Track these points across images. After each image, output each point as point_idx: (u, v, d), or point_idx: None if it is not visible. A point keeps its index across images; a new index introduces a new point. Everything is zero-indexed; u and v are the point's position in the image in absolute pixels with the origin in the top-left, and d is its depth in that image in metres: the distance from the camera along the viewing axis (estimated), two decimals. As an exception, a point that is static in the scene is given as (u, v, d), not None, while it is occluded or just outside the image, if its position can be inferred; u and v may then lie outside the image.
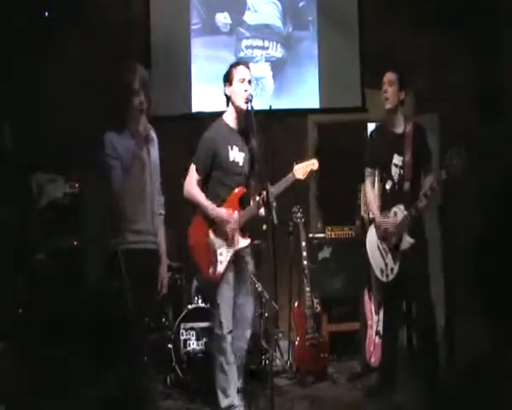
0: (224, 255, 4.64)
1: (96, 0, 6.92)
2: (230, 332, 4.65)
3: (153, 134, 4.03)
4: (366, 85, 6.95)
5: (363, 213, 6.10)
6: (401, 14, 6.91)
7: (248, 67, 4.72)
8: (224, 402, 4.62)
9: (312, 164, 4.71)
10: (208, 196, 4.69)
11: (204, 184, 4.74)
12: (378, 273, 5.16)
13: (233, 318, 4.77)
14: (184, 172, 4.71)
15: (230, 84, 4.69)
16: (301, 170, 4.66)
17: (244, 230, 4.70)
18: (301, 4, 7.17)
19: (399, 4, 6.92)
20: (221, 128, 4.76)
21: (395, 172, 5.03)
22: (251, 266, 4.81)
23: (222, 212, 4.63)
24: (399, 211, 4.95)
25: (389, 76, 5.07)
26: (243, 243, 4.68)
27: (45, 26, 6.50)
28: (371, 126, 7.51)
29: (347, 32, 7.06)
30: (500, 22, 6.64)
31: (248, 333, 4.76)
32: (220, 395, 4.64)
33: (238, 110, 4.68)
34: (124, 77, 3.85)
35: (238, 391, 4.68)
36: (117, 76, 3.88)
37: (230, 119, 4.75)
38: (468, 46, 6.65)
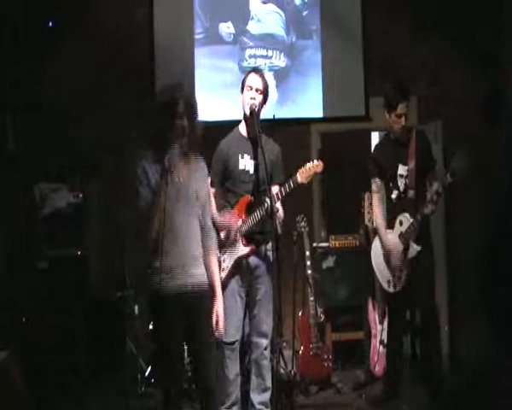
0: (226, 262, 4.64)
1: (99, 8, 6.92)
2: (234, 343, 4.64)
3: (196, 163, 3.80)
4: (370, 94, 6.94)
5: (367, 221, 6.08)
6: (404, 22, 6.91)
7: (260, 76, 4.69)
8: None
9: (316, 166, 4.54)
10: (218, 204, 4.69)
11: (221, 196, 4.75)
12: (384, 284, 5.13)
13: (250, 328, 4.78)
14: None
15: (242, 92, 4.70)
16: (305, 173, 4.52)
17: (248, 238, 4.68)
18: (305, 13, 7.17)
19: (402, 13, 6.92)
20: (234, 137, 4.79)
21: (401, 182, 5.03)
22: (266, 279, 4.70)
23: (218, 217, 4.59)
24: (405, 219, 4.94)
25: (402, 108, 5.00)
26: (244, 250, 4.65)
27: (49, 31, 6.51)
28: (375, 135, 7.54)
29: (351, 40, 7.05)
30: (502, 29, 6.64)
31: (263, 344, 4.71)
32: (219, 405, 4.64)
33: (245, 118, 4.69)
34: (166, 97, 3.61)
35: (235, 404, 4.66)
36: (159, 96, 3.71)
37: (242, 127, 4.77)
38: (470, 54, 6.64)
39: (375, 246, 5.22)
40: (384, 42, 6.93)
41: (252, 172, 4.69)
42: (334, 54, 7.08)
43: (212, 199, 4.55)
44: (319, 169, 4.58)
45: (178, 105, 3.56)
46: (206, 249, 3.80)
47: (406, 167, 5.00)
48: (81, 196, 5.96)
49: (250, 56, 7.10)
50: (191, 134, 3.62)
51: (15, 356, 4.80)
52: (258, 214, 4.57)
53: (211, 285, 3.82)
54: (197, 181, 3.76)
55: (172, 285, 3.62)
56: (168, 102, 3.57)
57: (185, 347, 4.49)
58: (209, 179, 4.60)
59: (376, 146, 5.55)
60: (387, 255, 5.05)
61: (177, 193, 3.64)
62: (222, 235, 4.64)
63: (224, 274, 4.61)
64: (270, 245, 4.65)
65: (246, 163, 4.69)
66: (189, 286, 3.67)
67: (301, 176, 4.53)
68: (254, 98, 4.60)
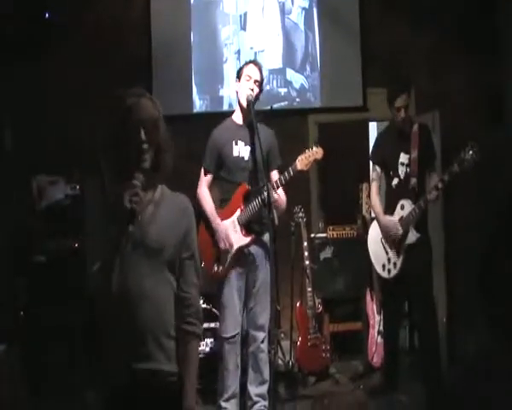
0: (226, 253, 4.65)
1: (96, 4, 6.91)
2: (233, 337, 4.65)
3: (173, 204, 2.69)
4: (367, 85, 6.92)
5: (364, 212, 6.09)
6: (402, 14, 6.90)
7: (259, 69, 4.71)
8: (219, 405, 4.66)
9: (316, 153, 4.51)
10: (221, 197, 4.74)
11: (214, 186, 4.76)
12: (379, 269, 5.15)
13: (247, 322, 4.79)
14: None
15: (239, 80, 4.70)
16: (304, 161, 4.50)
17: (247, 227, 4.67)
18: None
19: (400, 3, 6.90)
20: (227, 125, 4.79)
21: (402, 170, 5.06)
22: (263, 270, 4.70)
23: (219, 226, 4.63)
24: (407, 204, 4.95)
25: (401, 101, 5.01)
26: (244, 240, 4.65)
27: (45, 27, 6.49)
28: (373, 126, 7.54)
29: (348, 31, 7.02)
30: (501, 22, 6.63)
31: (260, 337, 4.71)
32: (218, 397, 4.68)
33: (241, 107, 4.69)
34: (120, 109, 2.61)
35: (233, 397, 4.68)
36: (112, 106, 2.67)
37: (237, 115, 4.78)
38: (469, 46, 6.63)
39: (372, 231, 5.25)
40: (382, 32, 6.91)
41: (246, 158, 4.68)
42: (332, 44, 7.05)
43: (200, 178, 4.66)
44: (319, 156, 4.56)
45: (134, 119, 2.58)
46: (182, 329, 2.63)
47: (408, 156, 5.03)
48: (78, 187, 5.94)
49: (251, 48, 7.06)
50: (158, 163, 2.63)
51: (13, 350, 4.81)
52: (256, 204, 4.55)
53: (182, 381, 2.62)
54: (169, 229, 2.61)
55: (121, 379, 2.56)
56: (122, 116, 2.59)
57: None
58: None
59: (379, 134, 5.61)
60: (385, 236, 5.06)
61: (134, 244, 2.55)
62: (221, 245, 4.65)
63: (225, 265, 4.62)
64: (267, 235, 4.66)
65: (240, 149, 4.68)
66: (144, 382, 2.55)
67: (301, 163, 4.51)
68: (252, 89, 4.61)
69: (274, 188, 4.46)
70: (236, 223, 4.65)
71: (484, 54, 6.56)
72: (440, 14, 6.75)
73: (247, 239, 4.65)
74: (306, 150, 4.54)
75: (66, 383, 5.25)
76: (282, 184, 4.53)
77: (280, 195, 4.57)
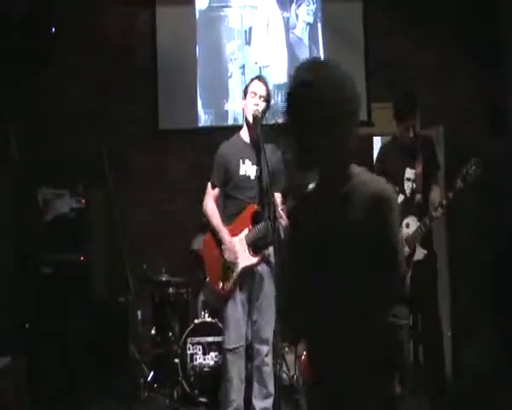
0: (233, 272, 4.65)
1: (101, 19, 6.95)
2: (237, 348, 4.66)
3: None
4: (372, 100, 6.93)
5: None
6: (406, 28, 6.92)
7: (264, 83, 4.72)
8: None
9: None
10: (224, 213, 4.73)
11: (221, 201, 4.76)
12: None
13: (251, 335, 4.79)
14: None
15: (245, 98, 4.72)
16: None
17: (254, 247, 4.69)
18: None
19: (404, 18, 6.93)
20: (235, 142, 4.79)
21: (408, 186, 5.04)
22: (267, 283, 4.69)
23: (227, 240, 4.64)
24: (412, 222, 4.94)
25: (412, 120, 5.03)
26: (251, 260, 4.66)
27: (51, 40, 6.52)
28: (377, 140, 7.53)
29: (353, 46, 7.04)
30: (504, 36, 6.65)
31: (264, 350, 4.70)
32: (221, 409, 4.70)
33: (248, 124, 4.70)
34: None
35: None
36: None
37: (244, 132, 4.78)
38: (473, 59, 6.65)
39: None
40: (386, 46, 6.93)
41: (253, 177, 4.69)
42: (336, 59, 7.04)
43: (207, 192, 4.67)
44: None
45: None
46: None
47: (414, 171, 5.02)
48: (83, 201, 5.96)
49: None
50: None
51: (18, 361, 4.81)
52: (264, 225, 4.58)
53: None
54: None
55: None
56: None
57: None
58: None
59: (382, 148, 5.50)
60: None
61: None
62: (226, 255, 4.66)
63: (229, 283, 4.63)
64: (271, 249, 4.67)
65: (247, 168, 4.69)
66: None
67: None
68: (258, 105, 4.62)
69: (277, 207, 4.44)
70: (244, 242, 4.66)
71: (487, 68, 6.57)
72: (444, 27, 6.78)
73: (255, 259, 4.66)
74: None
75: (70, 394, 5.26)
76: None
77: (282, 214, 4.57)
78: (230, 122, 6.91)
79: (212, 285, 4.69)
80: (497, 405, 4.36)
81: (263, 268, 4.70)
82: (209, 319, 5.51)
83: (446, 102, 6.82)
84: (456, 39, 6.76)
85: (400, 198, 5.07)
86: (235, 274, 4.63)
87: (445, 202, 4.78)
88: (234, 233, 4.68)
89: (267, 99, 4.68)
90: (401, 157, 5.10)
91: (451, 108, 6.74)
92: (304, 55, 7.05)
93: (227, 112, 7.02)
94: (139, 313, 5.83)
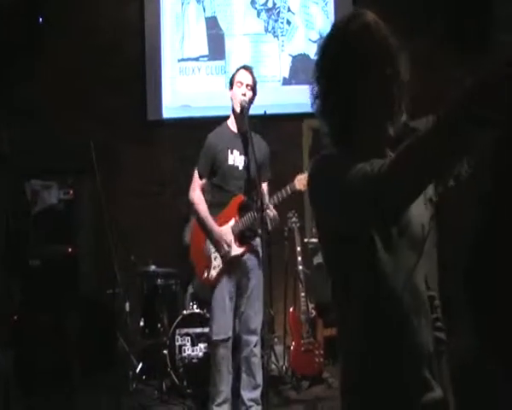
0: (218, 261, 4.65)
1: (89, 8, 6.92)
2: (225, 340, 4.66)
3: None
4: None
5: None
6: (396, 19, 6.90)
7: (250, 73, 4.71)
8: (212, 408, 4.66)
9: None
10: (211, 203, 4.71)
11: (208, 190, 4.76)
12: None
13: (239, 326, 4.80)
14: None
15: (231, 88, 4.70)
16: (303, 181, 4.53)
17: (241, 237, 4.69)
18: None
19: (393, 10, 6.91)
20: (223, 132, 4.77)
21: None
22: (256, 274, 4.70)
23: (214, 229, 4.63)
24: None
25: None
26: (237, 251, 4.67)
27: (39, 30, 6.49)
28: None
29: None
30: (495, 26, 6.65)
31: (253, 341, 4.70)
32: (210, 401, 4.68)
33: (235, 114, 4.69)
34: None
35: (225, 402, 4.67)
36: None
37: (232, 122, 4.76)
38: (463, 51, 6.65)
39: None
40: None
41: (241, 168, 4.68)
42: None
43: (193, 181, 4.66)
44: None
45: None
46: None
47: None
48: (71, 192, 5.95)
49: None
50: None
51: (7, 354, 4.81)
52: (251, 216, 4.59)
53: None
54: None
55: None
56: None
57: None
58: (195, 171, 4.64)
59: None
60: None
61: None
62: (216, 245, 4.66)
63: (215, 272, 4.63)
64: (258, 240, 4.67)
65: (235, 159, 4.68)
66: None
67: (299, 183, 4.58)
68: (245, 94, 4.61)
69: (264, 197, 4.45)
70: (230, 232, 4.66)
71: (476, 59, 6.58)
72: (432, 19, 6.78)
73: (241, 250, 4.67)
74: (306, 171, 4.56)
75: (58, 386, 5.25)
76: (278, 202, 4.57)
77: (274, 211, 4.57)
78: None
79: (199, 274, 4.69)
80: (484, 402, 4.37)
81: (251, 260, 4.70)
82: (198, 311, 5.51)
83: (435, 93, 6.81)
84: (446, 31, 6.75)
85: None
86: (220, 264, 4.63)
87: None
88: (220, 223, 4.68)
89: (253, 87, 4.68)
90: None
91: (440, 100, 6.73)
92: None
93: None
94: (127, 304, 5.81)
